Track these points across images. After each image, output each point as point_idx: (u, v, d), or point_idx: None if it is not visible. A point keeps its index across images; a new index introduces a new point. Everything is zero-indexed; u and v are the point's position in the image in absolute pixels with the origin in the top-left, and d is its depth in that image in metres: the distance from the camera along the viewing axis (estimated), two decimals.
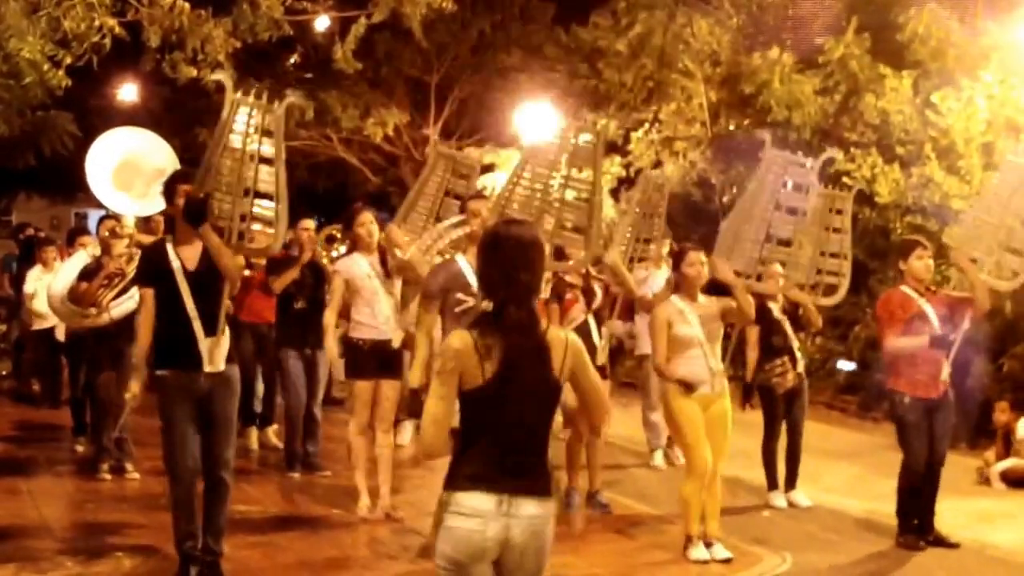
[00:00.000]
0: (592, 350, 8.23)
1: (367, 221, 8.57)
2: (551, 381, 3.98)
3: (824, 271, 8.30)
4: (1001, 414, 10.76)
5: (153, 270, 6.76)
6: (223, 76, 6.92)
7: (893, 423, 8.22)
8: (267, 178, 6.59)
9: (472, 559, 3.89)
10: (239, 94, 6.66)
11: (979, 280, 7.84)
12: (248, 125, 6.60)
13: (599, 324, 8.69)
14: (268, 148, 6.61)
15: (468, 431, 3.99)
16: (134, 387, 6.88)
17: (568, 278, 8.60)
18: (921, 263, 8.03)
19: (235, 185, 6.59)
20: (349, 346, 8.57)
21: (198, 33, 11.18)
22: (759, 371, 9.29)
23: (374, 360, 8.37)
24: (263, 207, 6.63)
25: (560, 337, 4.02)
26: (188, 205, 6.52)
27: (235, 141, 6.60)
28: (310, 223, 9.99)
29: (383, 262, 8.47)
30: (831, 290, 8.41)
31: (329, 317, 8.61)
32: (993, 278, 7.92)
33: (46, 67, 10.37)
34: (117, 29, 10.57)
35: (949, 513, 8.53)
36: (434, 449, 3.97)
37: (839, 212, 8.36)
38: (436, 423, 3.93)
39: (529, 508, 3.91)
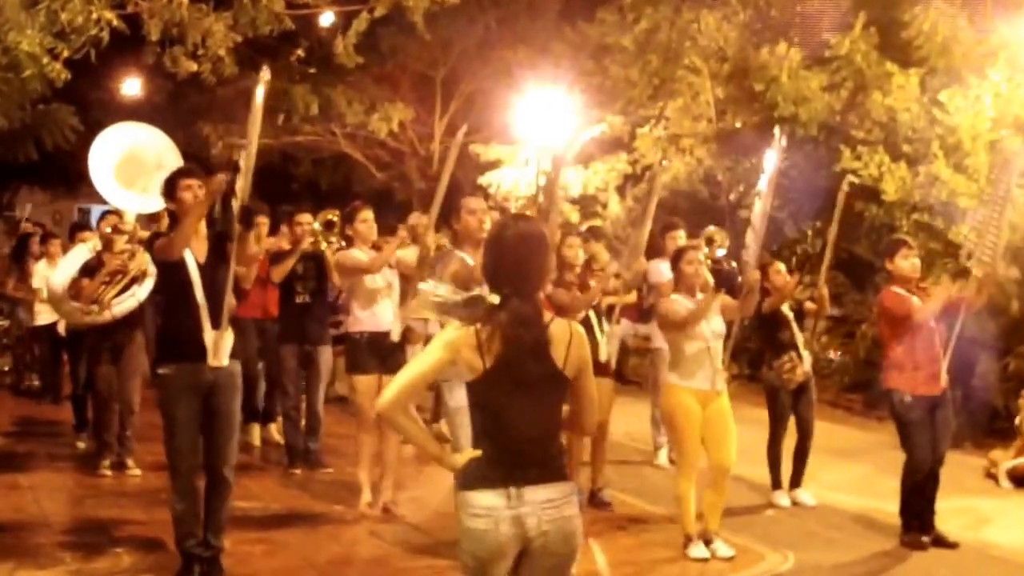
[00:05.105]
0: (595, 346, 8.23)
1: (368, 218, 8.70)
2: (553, 372, 4.00)
3: None
4: None
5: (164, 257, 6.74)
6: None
7: (894, 422, 8.18)
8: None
9: (492, 557, 3.91)
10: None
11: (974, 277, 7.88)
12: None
13: (600, 319, 8.67)
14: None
15: (475, 427, 4.03)
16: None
17: (566, 276, 8.58)
18: (907, 263, 8.03)
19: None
20: (348, 342, 8.59)
21: (199, 27, 11.15)
22: (767, 369, 9.27)
23: (374, 354, 8.37)
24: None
25: (564, 328, 4.05)
26: (241, 211, 6.51)
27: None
28: (307, 217, 9.96)
29: None
30: None
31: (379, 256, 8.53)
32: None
33: (45, 60, 10.34)
34: (115, 22, 10.53)
35: (953, 513, 8.51)
36: (388, 405, 3.99)
37: None
38: (404, 378, 4.01)
39: (540, 494, 3.92)
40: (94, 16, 10.19)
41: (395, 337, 8.40)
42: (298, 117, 20.08)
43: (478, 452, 3.98)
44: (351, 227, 8.77)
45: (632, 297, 9.60)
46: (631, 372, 15.37)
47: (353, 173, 23.48)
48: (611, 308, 9.04)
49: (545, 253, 4.14)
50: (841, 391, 14.63)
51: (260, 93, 6.68)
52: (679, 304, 7.69)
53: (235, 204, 6.51)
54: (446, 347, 3.97)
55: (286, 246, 9.98)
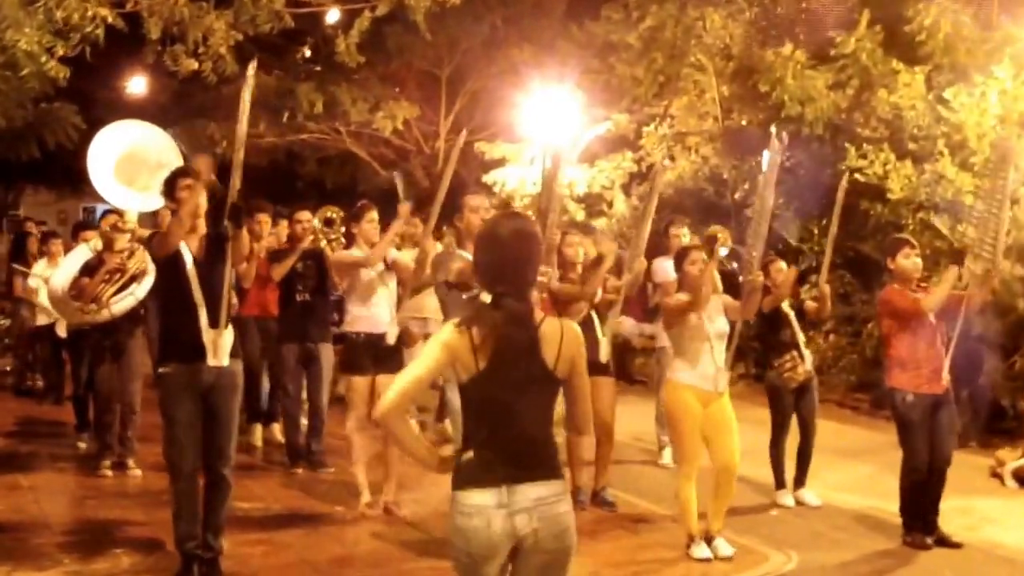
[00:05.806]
0: (595, 344, 8.21)
1: (375, 218, 8.69)
2: (545, 371, 3.97)
3: None
4: None
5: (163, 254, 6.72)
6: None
7: (894, 421, 8.13)
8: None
9: (484, 555, 3.90)
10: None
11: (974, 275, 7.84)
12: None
13: (601, 319, 8.64)
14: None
15: (468, 426, 4.01)
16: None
17: (569, 275, 8.55)
18: (908, 261, 8.00)
19: None
20: (345, 341, 8.59)
21: (199, 25, 11.11)
22: (768, 369, 9.23)
23: (370, 355, 8.37)
24: None
25: (555, 327, 4.01)
26: (231, 210, 6.50)
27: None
28: (306, 215, 9.95)
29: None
30: None
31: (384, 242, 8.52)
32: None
33: (43, 59, 10.31)
34: (111, 19, 10.49)
35: (958, 512, 8.47)
36: (388, 410, 3.90)
37: None
38: (404, 383, 3.92)
39: (532, 492, 3.91)
40: (90, 13, 10.15)
41: (391, 340, 8.39)
42: (303, 115, 20.03)
43: (469, 454, 3.94)
44: (357, 225, 8.75)
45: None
46: (636, 371, 15.35)
47: (358, 172, 23.44)
48: (610, 304, 8.99)
49: (538, 251, 4.11)
50: (848, 391, 14.57)
51: (247, 90, 6.67)
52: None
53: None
54: (444, 348, 3.93)
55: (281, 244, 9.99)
